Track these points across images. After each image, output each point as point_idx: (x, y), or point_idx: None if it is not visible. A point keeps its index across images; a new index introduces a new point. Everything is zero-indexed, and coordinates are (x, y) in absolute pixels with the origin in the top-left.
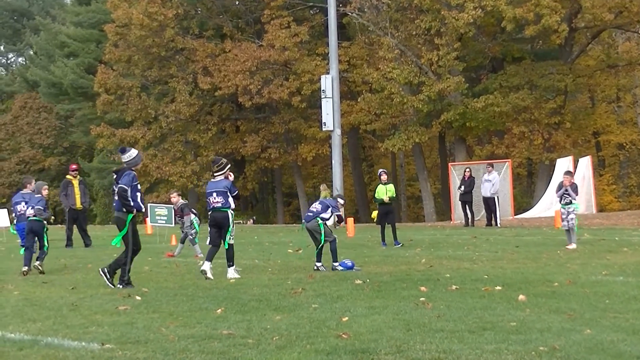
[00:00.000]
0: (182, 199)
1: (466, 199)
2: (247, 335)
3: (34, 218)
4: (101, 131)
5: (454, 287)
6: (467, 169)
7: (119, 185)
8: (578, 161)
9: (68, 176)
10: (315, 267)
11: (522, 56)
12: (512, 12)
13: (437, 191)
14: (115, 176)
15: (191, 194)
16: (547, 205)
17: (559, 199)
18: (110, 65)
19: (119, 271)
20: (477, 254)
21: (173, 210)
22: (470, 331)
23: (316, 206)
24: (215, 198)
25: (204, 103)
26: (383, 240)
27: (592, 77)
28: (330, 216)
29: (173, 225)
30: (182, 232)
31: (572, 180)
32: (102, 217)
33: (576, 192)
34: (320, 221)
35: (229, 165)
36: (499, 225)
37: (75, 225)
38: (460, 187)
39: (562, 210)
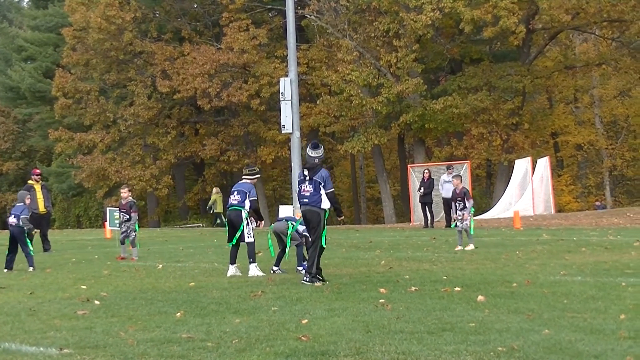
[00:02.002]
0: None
1: (426, 201)
2: (206, 338)
3: (18, 225)
4: (60, 135)
5: (413, 288)
6: (427, 171)
7: (329, 191)
8: (536, 162)
9: (30, 181)
10: (272, 271)
11: (480, 57)
12: (470, 13)
13: (396, 193)
14: (306, 171)
15: (150, 197)
16: (506, 206)
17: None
18: (68, 69)
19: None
20: (436, 255)
21: (120, 205)
22: (430, 332)
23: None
24: (235, 196)
25: (163, 106)
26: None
27: (550, 78)
28: (303, 233)
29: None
30: (123, 231)
31: (460, 185)
32: (61, 222)
33: (467, 197)
34: (290, 225)
35: (259, 175)
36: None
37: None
38: (419, 188)
39: (458, 213)
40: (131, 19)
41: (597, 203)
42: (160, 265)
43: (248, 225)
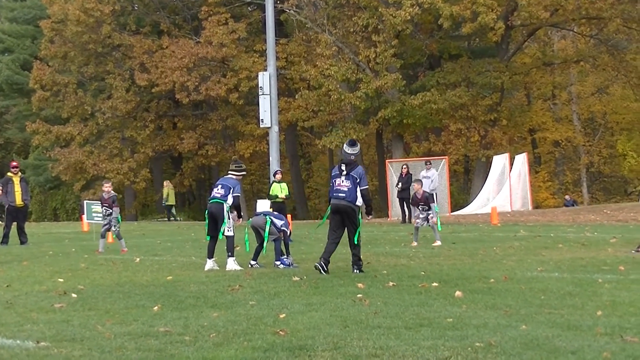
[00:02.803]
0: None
1: (403, 196)
2: (184, 332)
3: None
4: (37, 128)
5: (391, 283)
6: (405, 166)
7: (364, 188)
8: (514, 158)
9: (9, 173)
10: (250, 265)
11: (459, 53)
12: (449, 9)
13: (374, 188)
14: (344, 166)
15: (128, 191)
16: (483, 202)
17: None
18: (46, 61)
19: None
20: (414, 250)
21: (102, 199)
22: (407, 327)
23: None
24: (219, 189)
25: (141, 100)
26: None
27: (528, 74)
28: (280, 227)
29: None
30: (105, 224)
31: (421, 190)
32: (37, 215)
33: (431, 201)
34: (268, 219)
35: (245, 172)
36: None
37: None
38: (397, 183)
39: (421, 214)
40: (110, 12)
41: (567, 197)
42: (138, 259)
43: (229, 219)
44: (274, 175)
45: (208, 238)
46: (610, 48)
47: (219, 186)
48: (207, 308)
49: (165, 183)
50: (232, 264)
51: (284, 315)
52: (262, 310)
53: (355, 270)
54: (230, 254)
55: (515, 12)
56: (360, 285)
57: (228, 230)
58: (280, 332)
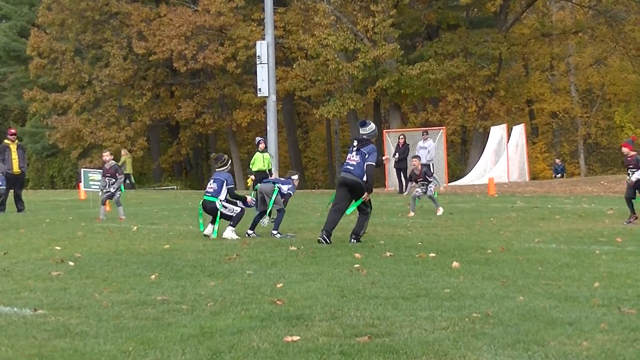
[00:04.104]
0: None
1: (400, 166)
2: (181, 301)
3: None
4: (34, 95)
5: (388, 253)
6: (402, 136)
7: (369, 163)
8: (512, 129)
9: (6, 141)
10: (247, 234)
11: (457, 24)
12: None
13: None
14: (356, 142)
15: None
16: (480, 172)
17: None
18: (43, 28)
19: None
20: (411, 220)
21: (104, 170)
22: (405, 298)
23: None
24: (211, 184)
25: (139, 68)
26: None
27: (526, 45)
28: (287, 192)
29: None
30: (106, 192)
31: (419, 165)
32: (34, 182)
33: (429, 175)
34: (276, 187)
35: (231, 161)
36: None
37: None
38: (394, 154)
39: (419, 188)
40: None
41: (557, 161)
42: (135, 227)
43: (226, 208)
44: (258, 145)
45: (202, 228)
46: (608, 19)
47: (212, 181)
48: (205, 277)
49: (123, 152)
50: (229, 233)
51: (281, 284)
52: (259, 279)
53: (352, 240)
54: (231, 223)
55: None
56: (357, 255)
57: (233, 212)
58: (278, 301)
